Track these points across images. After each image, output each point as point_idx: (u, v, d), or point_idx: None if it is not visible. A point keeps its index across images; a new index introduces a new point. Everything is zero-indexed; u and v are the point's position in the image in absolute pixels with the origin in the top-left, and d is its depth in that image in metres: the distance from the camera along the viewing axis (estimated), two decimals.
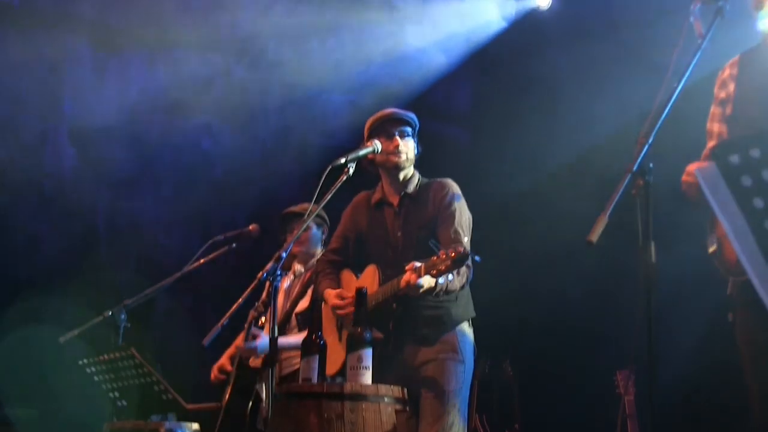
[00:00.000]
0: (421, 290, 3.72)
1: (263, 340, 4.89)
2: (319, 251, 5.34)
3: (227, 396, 5.03)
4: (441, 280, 3.73)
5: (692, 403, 6.17)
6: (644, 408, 5.52)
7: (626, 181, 2.54)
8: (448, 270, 3.59)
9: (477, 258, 3.62)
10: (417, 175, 4.29)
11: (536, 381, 7.45)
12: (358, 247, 4.34)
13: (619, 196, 2.52)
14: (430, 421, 3.91)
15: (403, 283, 3.71)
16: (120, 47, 7.63)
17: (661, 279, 2.51)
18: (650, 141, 2.60)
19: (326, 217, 5.35)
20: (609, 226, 2.46)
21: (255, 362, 5.20)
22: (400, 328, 4.00)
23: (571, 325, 7.19)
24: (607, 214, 2.47)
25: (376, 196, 4.33)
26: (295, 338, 5.02)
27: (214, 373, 5.36)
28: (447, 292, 3.90)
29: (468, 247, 3.94)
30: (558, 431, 7.25)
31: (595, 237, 2.45)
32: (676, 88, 2.71)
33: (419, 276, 3.64)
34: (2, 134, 7.22)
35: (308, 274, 5.27)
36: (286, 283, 5.47)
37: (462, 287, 4.00)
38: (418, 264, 3.65)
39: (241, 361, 5.15)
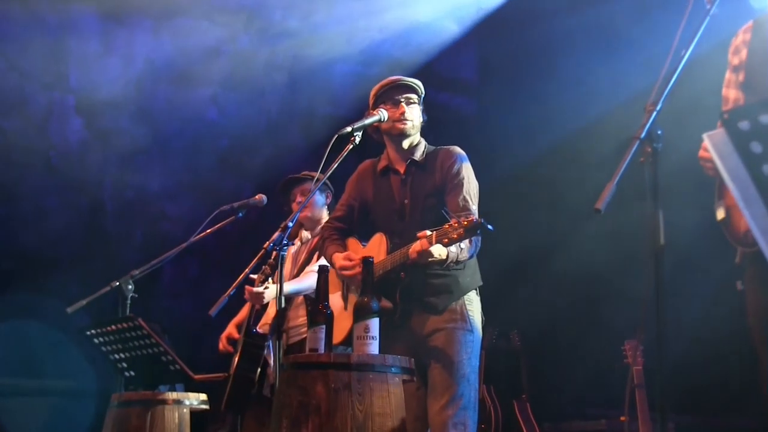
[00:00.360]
0: (431, 259, 3.70)
1: (271, 287, 4.90)
2: (324, 216, 5.33)
3: (235, 362, 5.05)
4: (453, 248, 3.71)
5: (700, 372, 6.16)
6: (653, 378, 5.51)
7: (634, 148, 2.52)
8: (461, 238, 3.58)
9: (490, 227, 3.59)
10: (423, 143, 4.26)
11: (544, 351, 7.46)
12: (363, 215, 4.32)
13: (627, 163, 2.50)
14: (439, 391, 3.91)
15: (413, 251, 3.70)
16: (126, 17, 7.60)
17: (668, 246, 2.49)
18: (658, 108, 2.57)
19: (329, 182, 5.33)
20: (617, 193, 2.44)
21: (263, 328, 5.20)
22: (407, 296, 3.99)
23: (579, 294, 7.19)
24: (615, 182, 2.45)
25: (382, 163, 4.30)
26: (306, 281, 5.01)
27: (222, 343, 5.37)
28: (457, 262, 3.88)
29: (475, 215, 3.92)
30: (566, 402, 7.27)
31: (602, 205, 2.43)
32: (684, 55, 2.67)
33: (430, 244, 3.62)
34: (9, 107, 7.22)
35: (315, 240, 5.27)
36: (292, 249, 5.47)
37: (471, 256, 3.97)
38: (429, 232, 3.63)
39: (248, 327, 5.15)
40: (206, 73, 7.96)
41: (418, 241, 3.68)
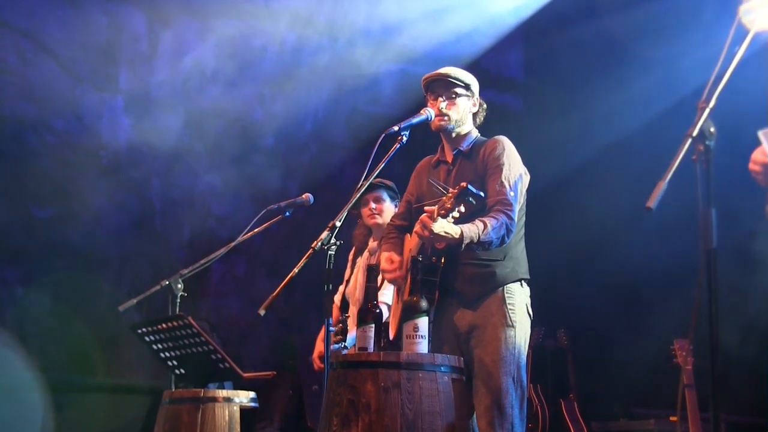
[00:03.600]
0: (443, 233, 3.64)
1: (351, 334, 4.86)
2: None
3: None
4: (468, 227, 3.69)
5: (752, 373, 6.08)
6: (703, 378, 5.45)
7: (686, 146, 2.49)
8: (454, 207, 3.56)
9: (479, 193, 3.59)
10: (474, 134, 4.25)
11: (591, 350, 7.40)
12: (419, 209, 4.33)
13: (679, 162, 2.47)
14: (484, 391, 3.86)
15: (417, 227, 3.69)
16: (173, 19, 7.67)
17: (720, 246, 2.46)
18: (711, 105, 2.54)
19: (396, 189, 5.30)
20: (668, 192, 2.42)
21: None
22: (443, 284, 3.96)
23: (628, 292, 7.13)
24: (666, 180, 2.43)
25: (436, 156, 4.33)
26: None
27: (317, 363, 5.33)
28: (481, 243, 3.78)
29: (512, 200, 3.90)
30: (614, 401, 7.22)
31: (653, 203, 2.41)
32: (737, 51, 2.64)
33: (432, 220, 3.61)
34: (61, 108, 7.31)
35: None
36: (360, 260, 5.42)
37: (502, 238, 3.86)
38: (430, 208, 3.65)
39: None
40: (252, 73, 8.01)
41: (417, 224, 3.68)
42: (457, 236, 3.68)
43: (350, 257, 5.56)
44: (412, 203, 4.37)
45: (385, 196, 5.32)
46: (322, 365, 5.19)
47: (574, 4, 7.50)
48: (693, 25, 6.53)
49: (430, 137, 4.34)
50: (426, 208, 3.69)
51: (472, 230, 3.72)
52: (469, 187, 3.55)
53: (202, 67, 7.86)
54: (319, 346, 5.31)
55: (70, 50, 7.30)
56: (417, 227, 3.70)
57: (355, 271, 5.36)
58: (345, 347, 4.84)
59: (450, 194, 3.59)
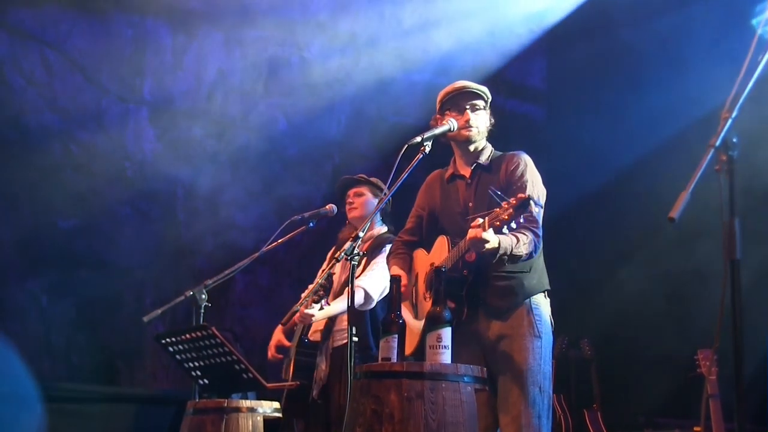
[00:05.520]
0: (487, 246, 3.66)
1: (323, 310, 4.91)
2: (377, 223, 5.35)
3: (291, 372, 5.08)
4: (506, 240, 3.70)
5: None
6: (728, 388, 5.42)
7: (709, 156, 2.49)
8: (512, 218, 3.53)
9: (539, 203, 3.57)
10: (490, 148, 4.26)
11: (615, 360, 7.37)
12: (432, 224, 4.32)
13: (702, 172, 2.47)
14: (510, 401, 3.86)
15: (468, 238, 3.68)
16: (197, 30, 7.73)
17: (744, 257, 2.46)
18: (734, 115, 2.53)
19: (383, 187, 5.32)
20: (692, 202, 2.42)
21: (314, 336, 5.21)
22: (472, 297, 3.97)
23: (651, 302, 7.10)
24: (689, 190, 2.43)
25: (449, 171, 4.32)
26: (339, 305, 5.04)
27: (272, 351, 5.37)
28: (512, 256, 3.80)
29: (537, 217, 3.90)
30: (638, 411, 7.18)
31: (676, 214, 2.41)
32: (761, 60, 2.63)
33: (483, 229, 3.61)
34: (86, 119, 7.38)
35: (366, 245, 5.24)
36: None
37: (530, 255, 3.88)
38: (481, 219, 3.64)
39: (300, 337, 5.16)
40: (276, 83, 8.05)
41: (472, 229, 3.67)
42: (496, 245, 3.70)
43: (329, 255, 5.57)
44: (424, 218, 4.36)
45: (365, 190, 5.37)
46: (278, 355, 5.28)
47: (596, 14, 7.49)
48: (714, 37, 6.51)
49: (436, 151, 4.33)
50: (475, 222, 3.67)
51: (507, 242, 3.74)
52: (531, 198, 3.53)
53: (226, 78, 7.91)
54: (277, 335, 5.35)
55: (96, 62, 7.37)
56: (471, 238, 3.68)
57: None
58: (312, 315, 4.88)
59: (507, 205, 3.55)
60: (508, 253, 3.77)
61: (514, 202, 3.53)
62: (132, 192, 7.58)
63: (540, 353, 3.95)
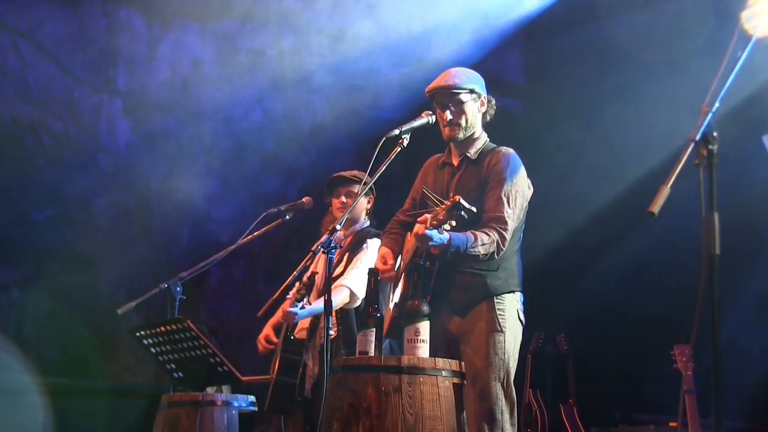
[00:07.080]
0: (431, 243, 3.67)
1: (306, 308, 4.87)
2: (362, 217, 5.31)
3: (276, 369, 5.04)
4: (459, 237, 3.72)
5: (754, 379, 6.06)
6: (704, 384, 5.43)
7: (689, 150, 2.47)
8: (446, 219, 3.57)
9: (472, 207, 3.60)
10: (483, 139, 4.23)
11: (591, 355, 7.38)
12: (423, 207, 4.32)
13: (682, 166, 2.45)
14: (473, 397, 3.84)
15: (412, 233, 3.70)
16: (172, 20, 7.67)
17: (723, 251, 2.44)
18: (714, 109, 2.52)
19: (373, 187, 5.29)
20: (671, 197, 2.40)
21: (300, 334, 5.18)
22: (435, 290, 3.94)
23: (627, 297, 7.11)
24: (669, 184, 2.41)
25: (443, 157, 4.32)
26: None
27: (262, 344, 5.32)
28: (466, 254, 3.80)
29: (508, 218, 3.91)
30: (614, 406, 7.20)
31: (656, 208, 2.39)
32: (740, 56, 2.62)
33: (426, 227, 3.62)
34: (59, 109, 7.30)
35: (348, 241, 5.22)
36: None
37: (490, 255, 3.88)
38: (429, 216, 3.65)
39: (285, 335, 5.12)
40: (252, 75, 8.00)
41: (416, 225, 3.69)
42: (445, 243, 3.70)
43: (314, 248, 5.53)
44: (417, 199, 4.39)
45: (357, 190, 5.31)
46: (269, 346, 5.22)
47: (575, 7, 7.48)
48: (695, 31, 6.51)
49: (427, 139, 4.32)
50: (422, 219, 3.68)
51: (460, 240, 3.75)
52: (461, 201, 3.55)
53: (201, 69, 7.85)
54: (267, 329, 5.29)
55: (69, 51, 7.29)
56: (414, 234, 3.71)
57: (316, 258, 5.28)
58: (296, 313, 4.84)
59: (443, 206, 3.59)
60: (462, 251, 3.77)
61: (449, 203, 3.57)
62: (106, 184, 7.51)
63: (503, 348, 3.94)
